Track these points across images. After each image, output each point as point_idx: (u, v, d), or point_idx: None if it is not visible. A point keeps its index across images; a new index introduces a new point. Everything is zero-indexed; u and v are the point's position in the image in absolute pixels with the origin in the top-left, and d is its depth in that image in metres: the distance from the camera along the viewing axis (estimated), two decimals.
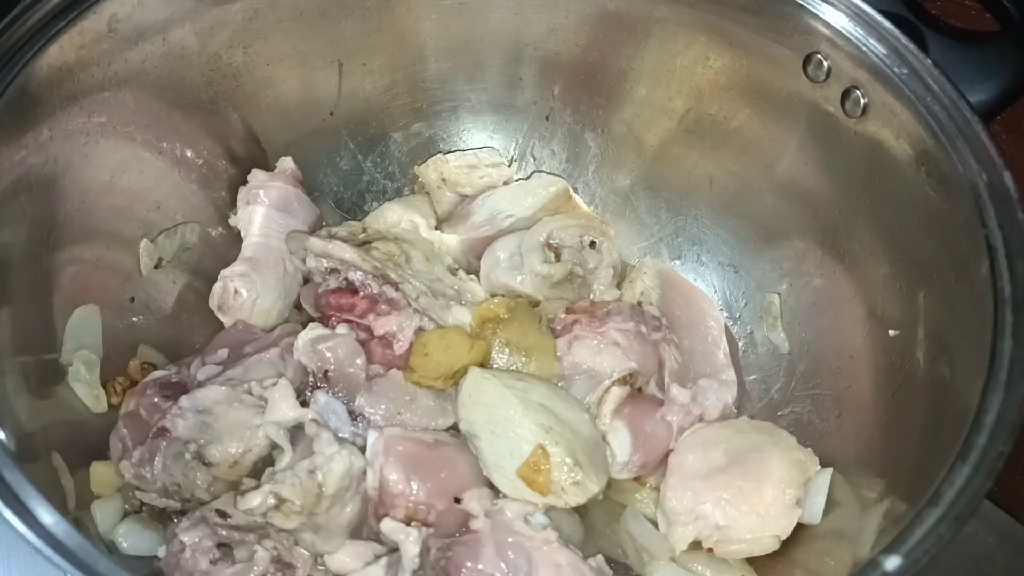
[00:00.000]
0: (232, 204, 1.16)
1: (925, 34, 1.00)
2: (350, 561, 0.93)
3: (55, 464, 0.90)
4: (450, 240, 1.21)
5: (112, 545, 0.93)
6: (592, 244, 1.19)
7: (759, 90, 1.07)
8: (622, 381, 1.07)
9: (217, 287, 1.11)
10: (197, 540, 0.88)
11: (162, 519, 0.97)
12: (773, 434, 1.05)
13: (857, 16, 0.94)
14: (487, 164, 1.24)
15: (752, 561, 1.00)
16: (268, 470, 0.94)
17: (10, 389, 0.86)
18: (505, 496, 0.96)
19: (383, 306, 1.06)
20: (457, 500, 0.94)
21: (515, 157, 1.28)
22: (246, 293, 1.10)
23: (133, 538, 0.94)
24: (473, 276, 1.18)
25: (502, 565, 0.87)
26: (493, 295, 1.15)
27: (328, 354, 1.01)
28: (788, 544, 0.99)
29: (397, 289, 1.07)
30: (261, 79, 1.14)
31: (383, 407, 1.01)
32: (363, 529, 0.96)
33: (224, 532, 0.90)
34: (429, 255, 1.17)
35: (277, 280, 1.12)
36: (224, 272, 1.11)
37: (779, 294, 1.15)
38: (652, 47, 1.12)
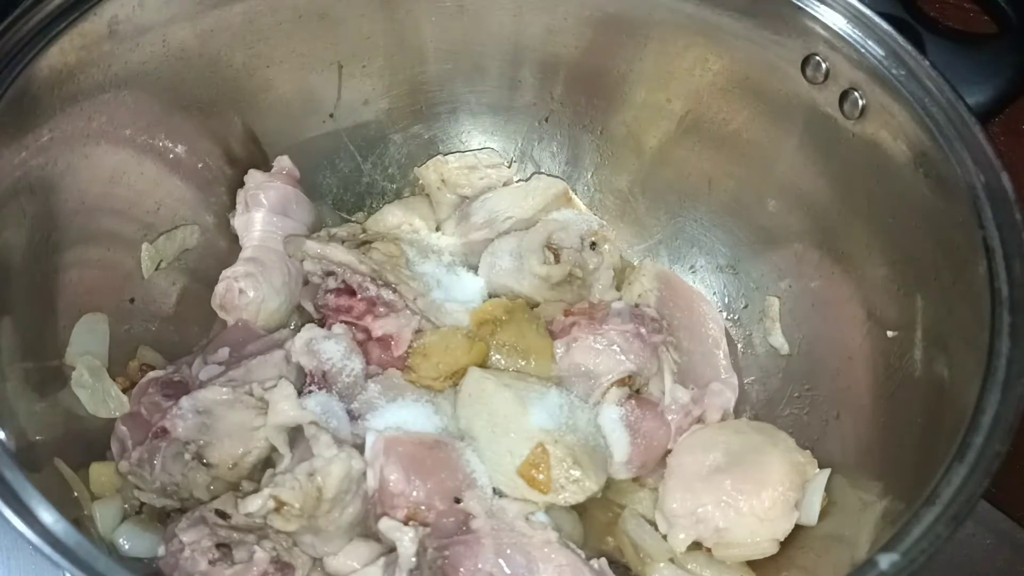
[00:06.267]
0: (231, 206, 1.16)
1: (923, 36, 1.00)
2: (349, 561, 0.93)
3: (60, 469, 0.90)
4: (450, 241, 1.21)
5: (112, 547, 0.93)
6: (592, 245, 1.19)
7: (758, 92, 1.07)
8: (621, 382, 1.07)
9: (220, 287, 1.11)
10: (196, 540, 0.88)
11: (162, 520, 0.97)
12: (772, 435, 1.05)
13: (855, 18, 0.94)
14: (487, 165, 1.24)
15: (750, 561, 1.00)
16: (268, 472, 0.94)
17: (11, 392, 0.86)
18: (505, 496, 0.96)
19: (381, 308, 1.06)
20: (457, 500, 0.93)
21: (515, 159, 1.28)
22: (253, 294, 1.09)
23: (133, 540, 0.94)
24: None
25: (501, 563, 0.87)
26: (492, 296, 1.15)
27: (325, 354, 1.01)
28: (786, 544, 0.98)
29: (394, 291, 1.06)
30: (261, 81, 1.14)
31: None
32: (364, 530, 0.96)
33: (223, 532, 0.90)
34: (429, 256, 1.17)
35: (283, 283, 1.12)
36: (227, 272, 1.11)
37: (778, 296, 1.15)
38: (651, 50, 1.12)
